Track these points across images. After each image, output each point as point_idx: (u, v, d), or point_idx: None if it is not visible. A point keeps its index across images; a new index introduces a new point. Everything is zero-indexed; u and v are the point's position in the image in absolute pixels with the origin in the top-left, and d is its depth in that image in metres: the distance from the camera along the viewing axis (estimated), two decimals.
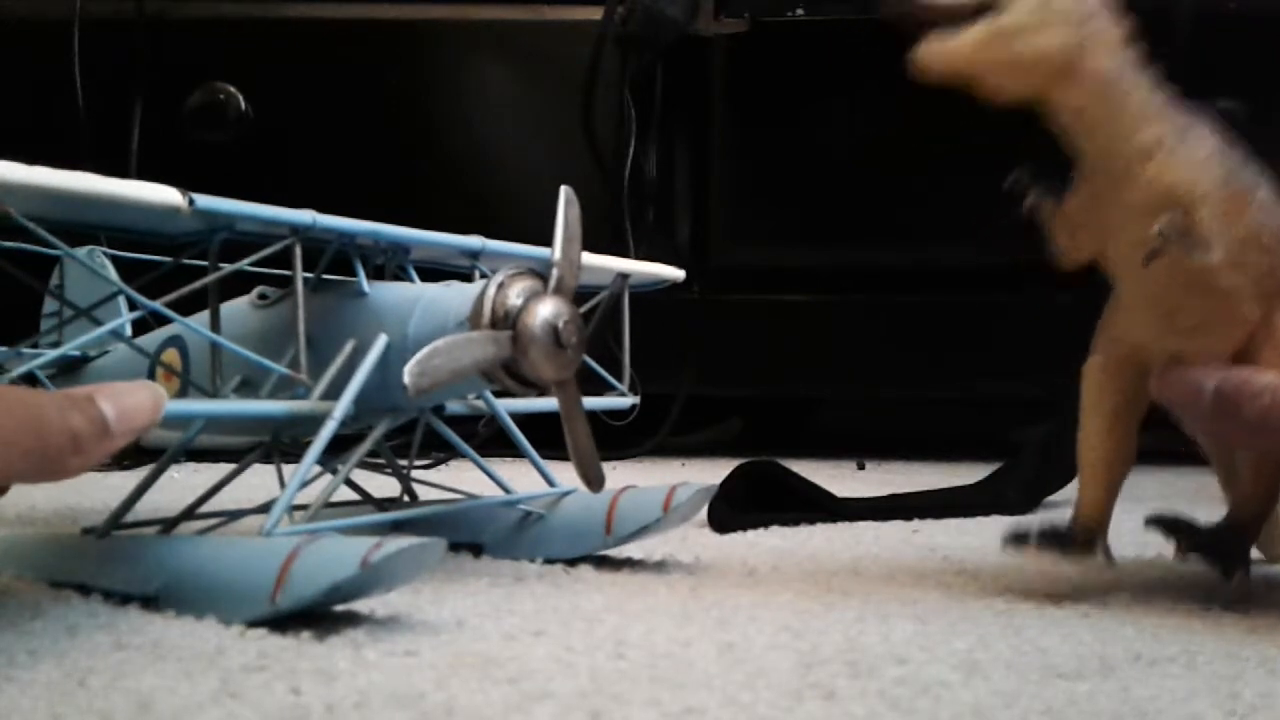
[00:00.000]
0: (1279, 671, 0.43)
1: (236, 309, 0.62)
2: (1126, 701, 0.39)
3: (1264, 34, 1.23)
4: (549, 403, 0.61)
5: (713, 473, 0.83)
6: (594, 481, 0.57)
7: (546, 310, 0.53)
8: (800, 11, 1.27)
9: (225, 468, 0.60)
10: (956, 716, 0.37)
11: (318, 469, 0.57)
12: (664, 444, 1.26)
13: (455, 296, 0.56)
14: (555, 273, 0.55)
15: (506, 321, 0.53)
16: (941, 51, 0.48)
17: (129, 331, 0.68)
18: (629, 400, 0.72)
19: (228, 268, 0.57)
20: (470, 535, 0.67)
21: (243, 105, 1.31)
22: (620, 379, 0.71)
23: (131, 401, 0.45)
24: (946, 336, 1.31)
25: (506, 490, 0.66)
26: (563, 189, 0.56)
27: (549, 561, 0.63)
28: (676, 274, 0.80)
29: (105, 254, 0.70)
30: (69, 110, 1.27)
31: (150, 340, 0.66)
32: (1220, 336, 0.52)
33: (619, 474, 1.09)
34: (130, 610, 0.50)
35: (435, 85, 1.35)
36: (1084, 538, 0.54)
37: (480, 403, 0.64)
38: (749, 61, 1.29)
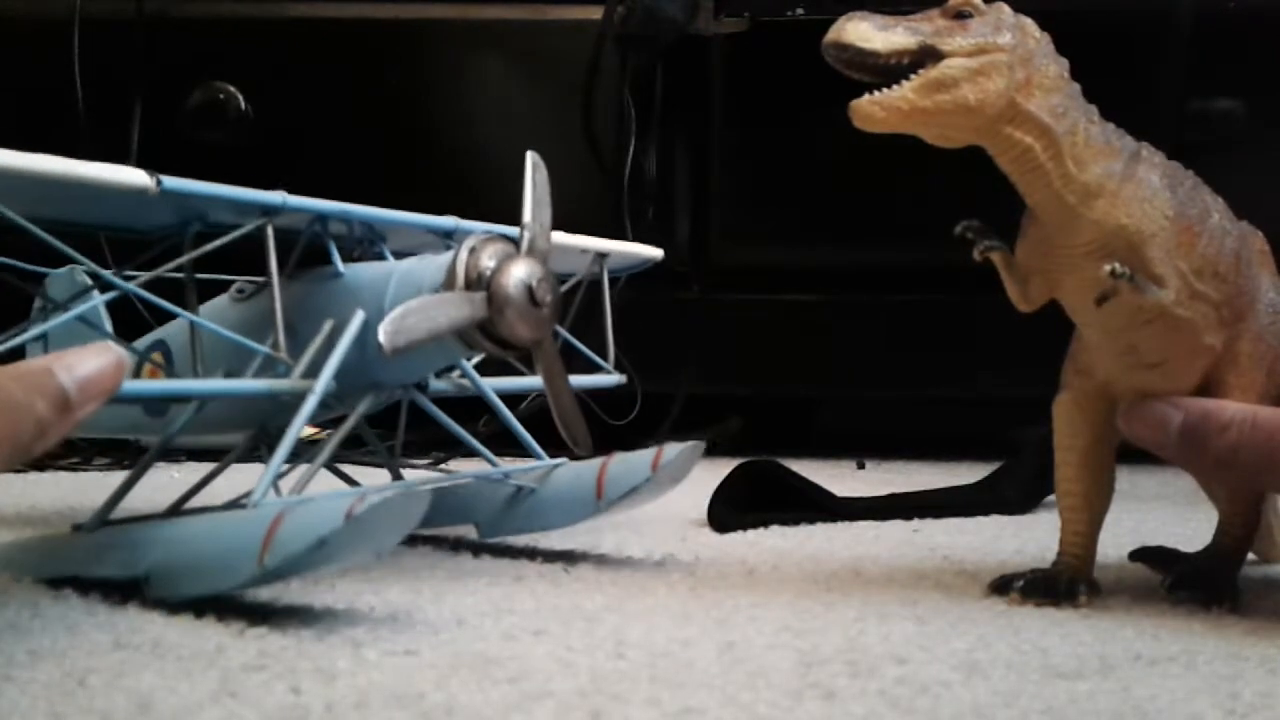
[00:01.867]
0: (1279, 671, 0.43)
1: (215, 305, 0.62)
2: (1126, 701, 0.39)
3: (1264, 34, 1.23)
4: (531, 381, 0.61)
5: (713, 473, 0.83)
6: (579, 442, 0.58)
7: (520, 271, 0.54)
8: (800, 11, 1.27)
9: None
10: (956, 716, 0.37)
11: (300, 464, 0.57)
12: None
13: (428, 266, 0.56)
14: (526, 235, 0.55)
15: (480, 284, 0.53)
16: (881, 103, 0.48)
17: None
18: (615, 378, 0.72)
19: (198, 253, 0.56)
20: (461, 516, 0.67)
21: (243, 105, 1.30)
22: (606, 358, 0.72)
23: (90, 368, 0.43)
24: (946, 336, 1.31)
25: (495, 465, 0.66)
26: (529, 154, 0.57)
27: (549, 559, 0.63)
28: (655, 253, 0.80)
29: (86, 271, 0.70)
30: (69, 110, 1.27)
31: (134, 347, 0.66)
32: (1184, 368, 0.52)
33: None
34: (130, 609, 0.50)
35: (435, 85, 1.35)
36: (1068, 586, 0.54)
37: (465, 381, 0.64)
38: (749, 61, 1.29)
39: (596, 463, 0.64)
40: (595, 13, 1.27)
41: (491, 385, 0.65)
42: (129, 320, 0.63)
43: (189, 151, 1.28)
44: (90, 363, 0.43)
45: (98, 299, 0.59)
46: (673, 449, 0.63)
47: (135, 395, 0.51)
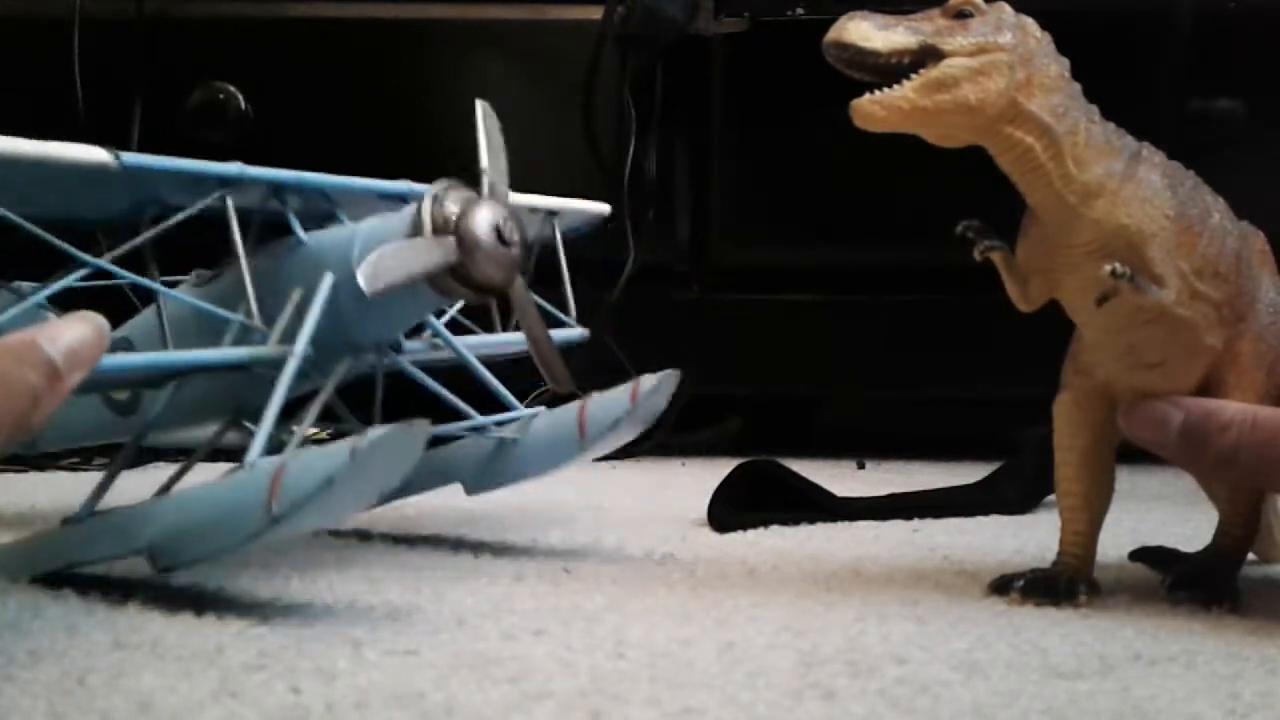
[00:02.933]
0: (1279, 671, 0.43)
1: (169, 290, 0.62)
2: (1126, 701, 0.39)
3: (1264, 34, 1.23)
4: (506, 337, 0.62)
5: (713, 472, 0.83)
6: (559, 379, 0.58)
7: (486, 213, 0.54)
8: (800, 11, 1.27)
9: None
10: (956, 716, 0.37)
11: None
12: (664, 444, 1.26)
13: (391, 219, 0.57)
14: (487, 179, 0.56)
15: (448, 229, 0.54)
16: (882, 103, 0.48)
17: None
18: (578, 332, 0.72)
19: (160, 229, 0.56)
20: (445, 476, 0.68)
21: (243, 105, 1.30)
22: (567, 313, 0.72)
23: (73, 336, 0.43)
24: (946, 336, 1.31)
25: (473, 418, 0.66)
26: (479, 103, 0.59)
27: (549, 558, 0.63)
28: (603, 208, 0.80)
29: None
30: (69, 110, 1.27)
31: None
32: (1184, 368, 0.52)
33: (619, 473, 1.09)
34: (129, 609, 0.50)
35: (435, 85, 1.35)
36: (1068, 585, 0.54)
37: (441, 347, 0.64)
38: (749, 61, 1.29)
39: (575, 405, 0.64)
40: (595, 13, 1.27)
41: (463, 342, 0.65)
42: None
43: (189, 151, 1.28)
44: (73, 331, 0.44)
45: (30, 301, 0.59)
46: (649, 379, 0.64)
47: (119, 369, 0.51)
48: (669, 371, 0.64)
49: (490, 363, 0.67)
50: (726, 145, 1.32)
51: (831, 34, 0.49)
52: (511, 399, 0.67)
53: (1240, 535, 0.56)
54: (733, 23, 1.28)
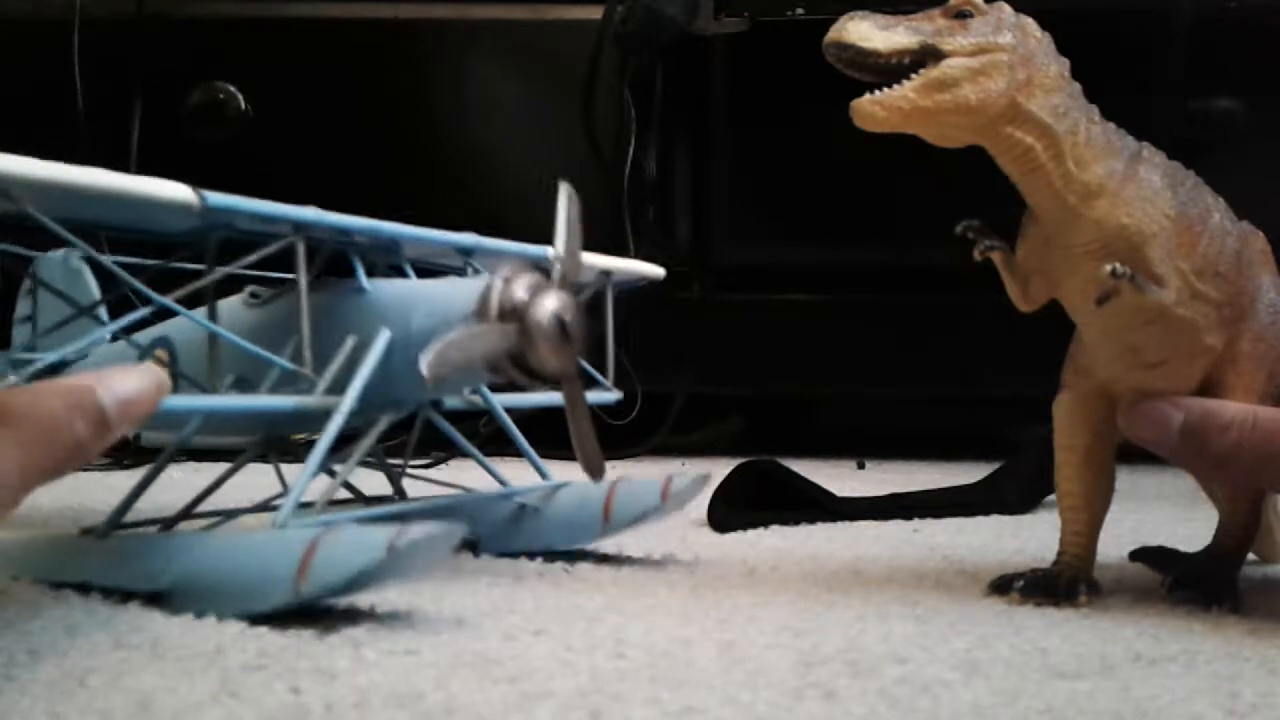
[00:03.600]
0: (1279, 671, 0.43)
1: (228, 308, 0.62)
2: (1126, 701, 0.39)
3: (1264, 34, 1.23)
4: (540, 398, 0.62)
5: (713, 472, 0.82)
6: (596, 471, 0.58)
7: (552, 303, 0.54)
8: (800, 11, 1.27)
9: (223, 467, 0.60)
10: (956, 716, 0.37)
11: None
12: (664, 443, 1.26)
13: (458, 291, 0.56)
14: (558, 266, 0.55)
15: (513, 315, 0.54)
16: (882, 103, 0.48)
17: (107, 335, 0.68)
18: (613, 395, 0.72)
19: (227, 271, 0.57)
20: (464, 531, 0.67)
21: (243, 105, 1.30)
22: (605, 374, 0.72)
23: (131, 389, 0.44)
24: (946, 336, 1.31)
25: (502, 483, 0.66)
26: (562, 185, 0.57)
27: (549, 559, 0.64)
28: (658, 271, 0.80)
29: (84, 258, 0.70)
30: (69, 110, 1.27)
31: (136, 341, 0.66)
32: (1184, 368, 0.52)
33: (619, 473, 1.09)
34: (130, 609, 0.50)
35: (435, 85, 1.35)
36: (1068, 585, 0.54)
37: (477, 398, 0.64)
38: (749, 61, 1.29)
39: (604, 485, 0.64)
40: (595, 13, 1.27)
41: (500, 400, 0.66)
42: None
43: (189, 151, 1.28)
44: (133, 384, 0.44)
45: (119, 322, 0.59)
46: (682, 479, 0.64)
47: (170, 412, 0.51)
48: (700, 475, 0.65)
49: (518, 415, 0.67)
50: (726, 145, 1.32)
51: (832, 34, 0.49)
52: (543, 466, 0.67)
53: (1240, 535, 0.56)
54: (733, 23, 1.28)
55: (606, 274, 0.74)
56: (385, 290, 0.59)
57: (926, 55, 0.49)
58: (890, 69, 0.49)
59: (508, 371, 0.55)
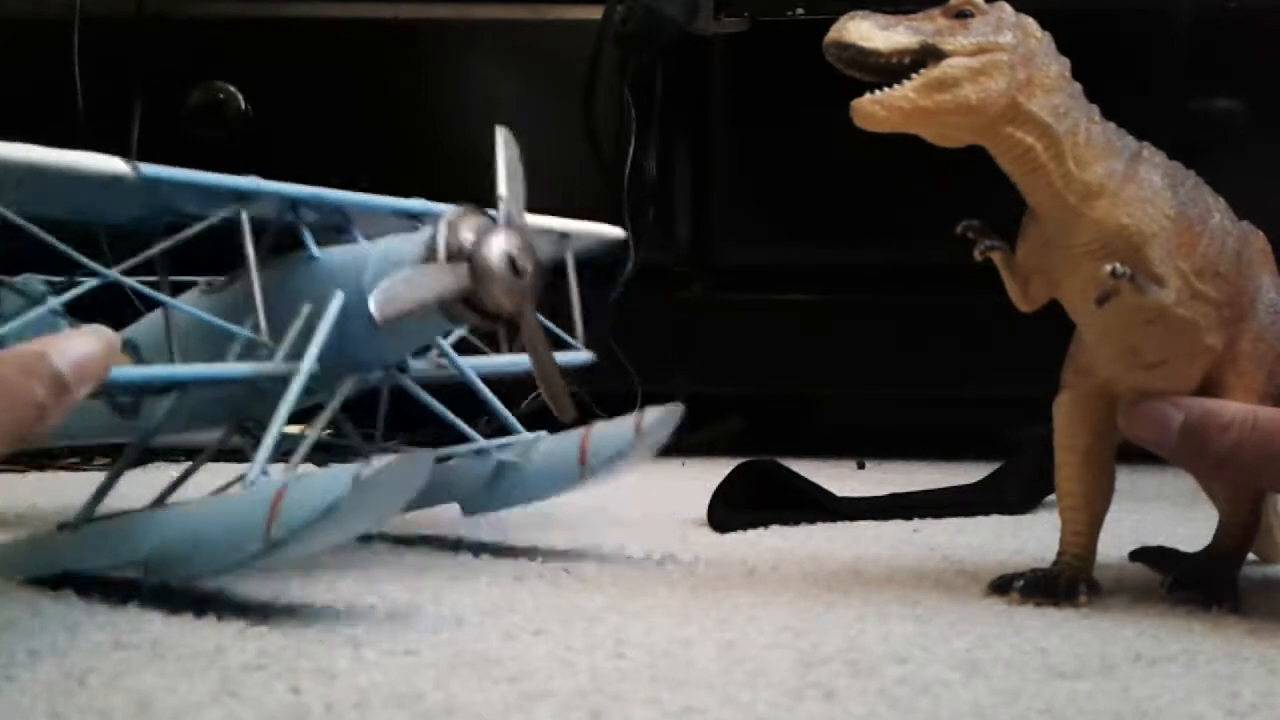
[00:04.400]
0: (1279, 671, 0.43)
1: (183, 301, 0.62)
2: (1126, 701, 0.39)
3: (1264, 34, 1.23)
4: (506, 360, 0.62)
5: (713, 472, 0.83)
6: (563, 409, 0.58)
7: (500, 242, 0.55)
8: (800, 11, 1.27)
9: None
10: (956, 716, 0.37)
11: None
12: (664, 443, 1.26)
13: (405, 243, 0.57)
14: (503, 207, 0.56)
15: (461, 256, 0.54)
16: (882, 103, 0.48)
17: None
18: (584, 355, 0.72)
19: (176, 240, 0.56)
20: (444, 494, 0.68)
21: (242, 104, 1.30)
22: (575, 336, 0.72)
23: (82, 350, 0.44)
24: (946, 336, 1.31)
25: (476, 440, 0.66)
26: (499, 129, 0.58)
27: (549, 559, 0.63)
28: (616, 232, 0.80)
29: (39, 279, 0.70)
30: (69, 109, 1.27)
31: None
32: (1184, 368, 0.52)
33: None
34: (129, 609, 0.50)
35: (435, 85, 1.35)
36: (1068, 585, 0.54)
37: (444, 361, 0.64)
38: (749, 61, 1.29)
39: (577, 433, 0.65)
40: (595, 13, 1.27)
41: (467, 363, 0.66)
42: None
43: (189, 151, 1.28)
44: (82, 345, 0.44)
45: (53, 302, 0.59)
46: (654, 412, 0.64)
47: (127, 380, 0.51)
48: (673, 405, 0.65)
49: (492, 382, 0.67)
50: (726, 145, 1.32)
51: (832, 33, 0.49)
52: (514, 422, 0.67)
53: (1240, 535, 0.56)
54: (733, 23, 1.28)
55: (565, 236, 0.74)
56: (335, 255, 0.59)
57: (927, 55, 0.49)
58: (891, 69, 0.49)
59: (462, 314, 0.55)
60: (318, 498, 0.46)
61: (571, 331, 0.71)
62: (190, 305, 0.62)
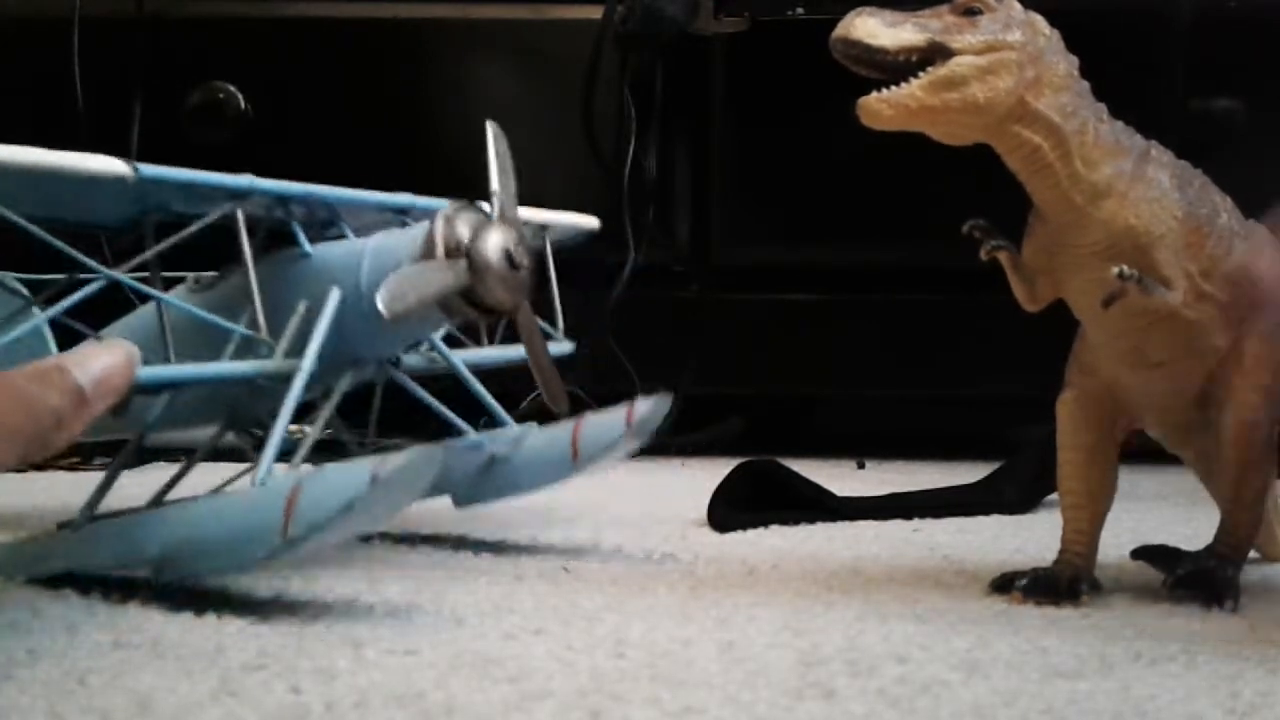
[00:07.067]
0: (1279, 671, 0.43)
1: (174, 299, 0.62)
2: (1126, 700, 0.39)
3: (1264, 34, 1.23)
4: (495, 353, 0.62)
5: (713, 472, 0.83)
6: (557, 399, 0.58)
7: (497, 237, 0.55)
8: (800, 11, 1.27)
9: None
10: (956, 716, 0.37)
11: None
12: (664, 444, 1.26)
13: (401, 239, 0.57)
14: (497, 201, 0.56)
15: (459, 252, 0.54)
16: (889, 101, 0.48)
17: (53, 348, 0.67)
18: (566, 346, 0.72)
19: (170, 242, 0.56)
20: (435, 488, 0.67)
21: (243, 105, 1.30)
22: (555, 326, 0.72)
23: (104, 364, 0.44)
24: (946, 336, 1.31)
25: (467, 433, 0.66)
26: (489, 124, 0.58)
27: (549, 558, 0.63)
28: (592, 222, 0.80)
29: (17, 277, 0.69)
30: (69, 109, 1.26)
31: None
32: (1189, 368, 0.52)
33: (619, 473, 1.08)
34: (130, 609, 0.50)
35: (435, 85, 1.35)
36: (1069, 584, 0.54)
37: (435, 354, 0.64)
38: (749, 61, 1.29)
39: (568, 425, 0.65)
40: (595, 12, 1.27)
41: (459, 356, 0.66)
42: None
43: (189, 151, 1.28)
44: (103, 359, 0.45)
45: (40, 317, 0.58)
46: (644, 403, 0.64)
47: (142, 384, 0.51)
48: (663, 395, 0.65)
49: (482, 373, 0.67)
50: (726, 145, 1.32)
51: (839, 30, 0.49)
52: (504, 415, 0.67)
53: (1242, 535, 0.56)
54: (733, 22, 1.28)
55: (543, 227, 0.74)
56: (330, 251, 0.59)
57: (934, 53, 0.48)
58: (897, 66, 0.48)
59: (461, 309, 0.55)
60: (335, 495, 0.46)
61: (553, 322, 0.72)
62: (180, 300, 0.61)
